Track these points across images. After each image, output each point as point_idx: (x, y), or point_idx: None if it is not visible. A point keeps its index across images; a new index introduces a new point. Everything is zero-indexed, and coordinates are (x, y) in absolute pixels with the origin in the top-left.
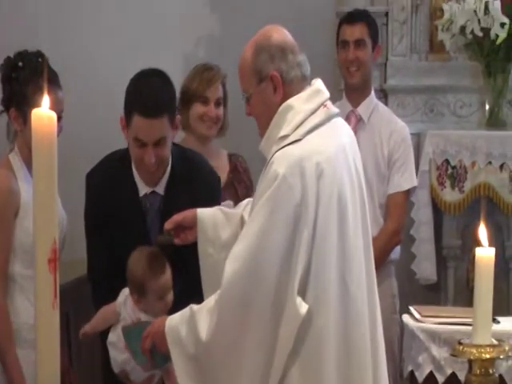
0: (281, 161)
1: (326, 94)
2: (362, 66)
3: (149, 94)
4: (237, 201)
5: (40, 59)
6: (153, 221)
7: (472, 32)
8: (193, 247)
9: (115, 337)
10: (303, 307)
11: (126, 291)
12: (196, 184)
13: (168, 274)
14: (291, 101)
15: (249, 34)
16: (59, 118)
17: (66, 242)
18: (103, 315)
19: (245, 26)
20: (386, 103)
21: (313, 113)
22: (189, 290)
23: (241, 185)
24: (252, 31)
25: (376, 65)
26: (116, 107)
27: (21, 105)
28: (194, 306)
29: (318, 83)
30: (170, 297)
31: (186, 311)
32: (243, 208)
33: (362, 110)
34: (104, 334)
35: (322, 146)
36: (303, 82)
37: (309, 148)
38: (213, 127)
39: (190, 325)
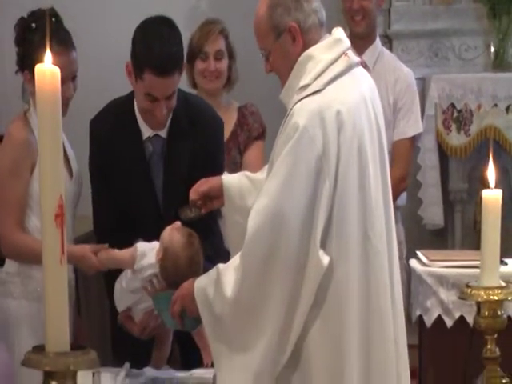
0: (301, 112)
1: (347, 42)
2: (367, 15)
3: (161, 49)
4: (238, 148)
5: (53, 19)
6: (156, 164)
7: None
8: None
9: (126, 281)
10: (325, 258)
11: (143, 245)
12: (199, 128)
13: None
14: (311, 50)
15: None
16: (74, 78)
17: None
18: (117, 258)
19: None
20: (390, 49)
21: (333, 62)
22: (213, 256)
23: (243, 130)
24: None
25: (380, 10)
26: (120, 61)
27: (34, 67)
28: (221, 266)
29: (338, 32)
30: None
31: (213, 272)
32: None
33: (367, 57)
34: (108, 281)
35: (343, 96)
36: (321, 28)
37: (329, 98)
38: (214, 81)
39: (217, 284)
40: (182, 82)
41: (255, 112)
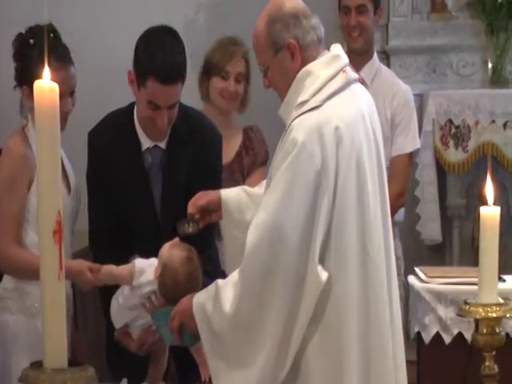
0: (299, 128)
1: (345, 59)
2: (365, 31)
3: (165, 58)
4: (242, 172)
5: (52, 34)
6: (155, 175)
7: None
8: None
9: (123, 297)
10: (324, 274)
11: (141, 262)
12: (198, 139)
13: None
14: (309, 66)
15: (251, 0)
16: (72, 93)
17: None
18: (115, 274)
19: None
20: (388, 64)
21: (332, 78)
22: (211, 270)
23: (248, 154)
24: None
25: (377, 26)
26: (116, 76)
27: (33, 83)
28: (220, 281)
29: (336, 48)
30: None
31: (211, 287)
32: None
33: (364, 73)
34: (104, 296)
35: (341, 111)
36: (319, 45)
37: (327, 114)
38: (232, 102)
39: (216, 300)
40: (191, 93)
41: (260, 136)
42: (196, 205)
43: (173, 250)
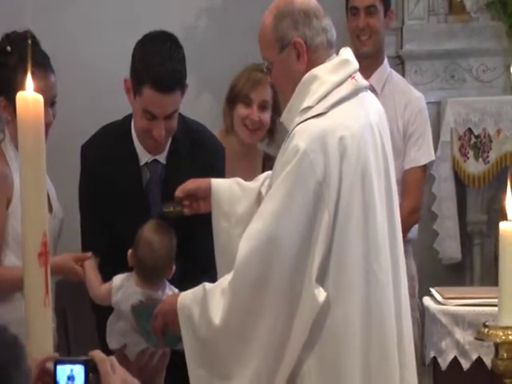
0: (302, 135)
1: (355, 64)
2: (374, 34)
3: (162, 65)
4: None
5: (30, 41)
6: (154, 192)
7: None
8: (201, 217)
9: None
10: (321, 295)
11: (118, 278)
12: (199, 153)
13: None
14: (316, 70)
15: (251, 5)
16: (53, 104)
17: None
18: (93, 287)
19: None
20: (402, 70)
21: (339, 84)
22: (195, 262)
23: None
24: (255, 2)
25: (391, 30)
26: (111, 86)
27: (10, 93)
28: (207, 285)
29: (345, 53)
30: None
31: (199, 290)
32: (261, 182)
33: (374, 80)
34: (100, 326)
35: (347, 121)
36: (329, 48)
37: (333, 122)
38: (256, 133)
39: (203, 306)
40: (189, 105)
41: None
42: (184, 189)
43: (143, 226)
